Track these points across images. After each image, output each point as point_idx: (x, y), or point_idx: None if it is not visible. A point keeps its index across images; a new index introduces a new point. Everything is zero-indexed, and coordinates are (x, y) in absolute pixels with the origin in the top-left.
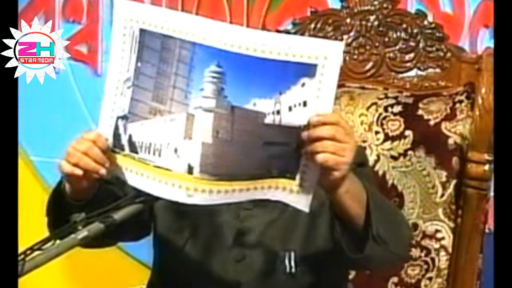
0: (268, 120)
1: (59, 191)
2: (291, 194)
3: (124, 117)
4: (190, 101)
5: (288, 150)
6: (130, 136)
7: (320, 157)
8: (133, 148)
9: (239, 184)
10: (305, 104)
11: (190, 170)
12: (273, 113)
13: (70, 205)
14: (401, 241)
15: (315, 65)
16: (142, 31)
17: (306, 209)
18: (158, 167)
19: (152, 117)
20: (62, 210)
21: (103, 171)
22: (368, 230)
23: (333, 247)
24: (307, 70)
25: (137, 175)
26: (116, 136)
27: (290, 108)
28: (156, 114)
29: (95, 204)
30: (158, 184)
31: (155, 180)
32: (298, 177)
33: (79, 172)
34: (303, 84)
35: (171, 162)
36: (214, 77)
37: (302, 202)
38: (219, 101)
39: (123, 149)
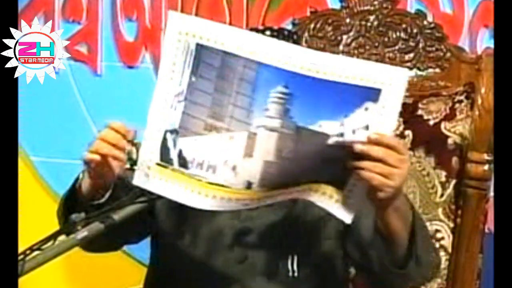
0: (332, 141)
1: (73, 192)
2: (336, 203)
3: (173, 131)
4: (252, 120)
5: (344, 166)
6: (180, 151)
7: (365, 174)
8: (183, 163)
9: (291, 189)
10: (367, 128)
11: (249, 185)
12: (337, 135)
13: (86, 206)
14: (431, 266)
15: (379, 90)
16: (199, 46)
17: (348, 220)
18: (212, 183)
19: (207, 134)
20: (76, 211)
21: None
22: (411, 249)
23: (337, 255)
24: (371, 94)
25: (186, 190)
26: (164, 149)
27: (353, 131)
28: (212, 131)
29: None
30: (212, 200)
31: (207, 196)
32: (346, 189)
33: (97, 157)
34: (366, 108)
35: (228, 179)
36: (280, 98)
37: (344, 214)
38: (285, 121)
39: (171, 163)
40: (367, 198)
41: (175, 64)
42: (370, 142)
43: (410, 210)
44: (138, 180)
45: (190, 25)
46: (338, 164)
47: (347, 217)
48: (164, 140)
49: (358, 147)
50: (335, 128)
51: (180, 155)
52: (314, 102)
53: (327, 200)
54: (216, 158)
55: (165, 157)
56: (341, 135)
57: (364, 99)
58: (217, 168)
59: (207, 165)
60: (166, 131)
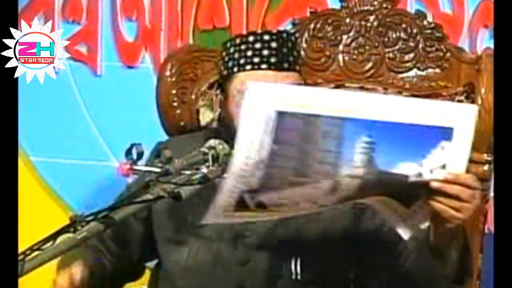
0: (411, 180)
1: None
2: (399, 218)
3: (252, 191)
4: (338, 172)
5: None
6: (259, 202)
7: (438, 206)
8: (261, 207)
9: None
10: (444, 167)
11: None
12: (415, 175)
13: None
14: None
15: (451, 129)
16: (280, 113)
17: (406, 236)
18: None
19: (291, 188)
20: None
21: None
22: (466, 266)
23: (340, 258)
24: (446, 133)
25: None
26: (241, 203)
27: (431, 171)
28: (295, 186)
29: None
30: None
31: None
32: (412, 208)
33: None
34: (442, 148)
35: (310, 208)
36: (365, 148)
37: (403, 230)
38: (368, 169)
39: (248, 210)
40: (432, 224)
41: (254, 133)
42: (447, 181)
43: (462, 229)
44: (210, 219)
45: (270, 93)
46: (410, 189)
47: (405, 234)
48: (241, 197)
49: (435, 185)
50: (413, 169)
51: (259, 205)
52: (394, 146)
53: (391, 213)
54: (299, 201)
55: (241, 208)
56: (420, 175)
57: (439, 138)
58: (299, 205)
59: (288, 205)
60: (243, 191)
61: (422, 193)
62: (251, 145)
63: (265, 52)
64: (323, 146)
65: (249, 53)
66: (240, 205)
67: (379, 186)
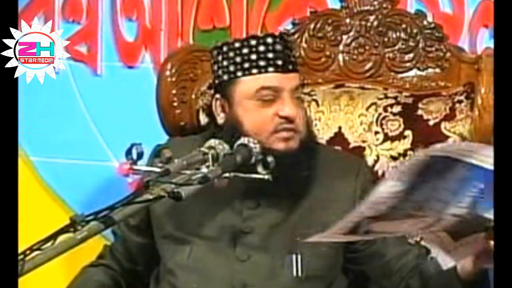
0: (490, 224)
1: None
2: (443, 249)
3: (371, 218)
4: (445, 210)
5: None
6: (369, 229)
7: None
8: (368, 233)
9: None
10: None
11: None
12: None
13: None
14: None
15: None
16: (432, 157)
17: (445, 267)
18: None
19: (402, 220)
20: None
21: None
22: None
23: (339, 258)
24: None
25: None
26: (353, 228)
27: None
28: (408, 219)
29: None
30: None
31: None
32: (459, 242)
33: None
34: None
35: None
36: (475, 192)
37: (444, 261)
38: (469, 211)
39: (355, 234)
40: (477, 261)
41: (405, 171)
42: None
43: None
44: (318, 239)
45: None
46: (474, 229)
47: (445, 264)
48: (358, 223)
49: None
50: None
51: (367, 231)
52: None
53: (436, 243)
54: (399, 231)
55: (351, 232)
56: None
57: None
58: (394, 233)
59: (387, 233)
60: (366, 217)
61: (482, 231)
62: (401, 181)
63: (270, 55)
64: (447, 185)
65: (253, 56)
66: (352, 229)
67: (465, 226)
